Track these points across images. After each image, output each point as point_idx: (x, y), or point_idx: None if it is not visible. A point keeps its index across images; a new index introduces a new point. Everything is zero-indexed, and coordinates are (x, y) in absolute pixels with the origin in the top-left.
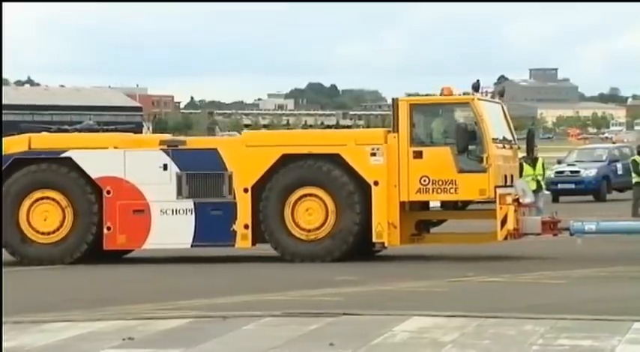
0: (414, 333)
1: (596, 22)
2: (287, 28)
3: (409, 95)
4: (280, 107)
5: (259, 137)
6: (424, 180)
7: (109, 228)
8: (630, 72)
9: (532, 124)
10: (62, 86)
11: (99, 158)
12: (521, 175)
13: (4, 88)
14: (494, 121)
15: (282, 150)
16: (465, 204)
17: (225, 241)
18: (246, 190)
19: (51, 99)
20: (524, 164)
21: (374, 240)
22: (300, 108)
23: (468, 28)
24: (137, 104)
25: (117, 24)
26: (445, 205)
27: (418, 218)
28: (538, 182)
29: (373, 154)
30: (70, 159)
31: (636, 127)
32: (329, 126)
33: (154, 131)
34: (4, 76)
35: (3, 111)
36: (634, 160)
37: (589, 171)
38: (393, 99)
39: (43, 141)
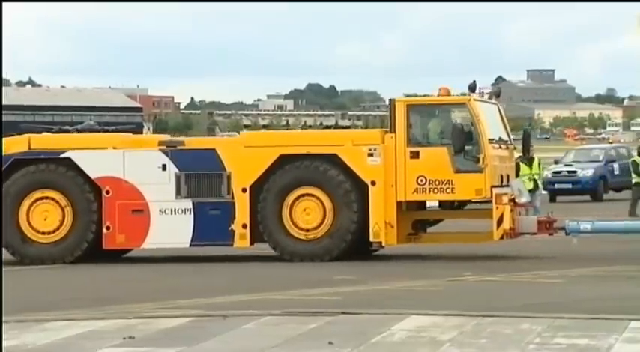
0: (413, 332)
1: (593, 23)
2: (287, 28)
3: (407, 96)
4: (280, 108)
5: (257, 137)
6: (421, 180)
7: (108, 228)
8: (627, 73)
9: (528, 125)
10: (63, 87)
11: (98, 158)
12: (517, 175)
13: (5, 88)
14: (490, 122)
15: (279, 150)
16: (463, 203)
17: (224, 241)
18: (244, 190)
19: (52, 99)
20: (520, 163)
21: (371, 239)
22: (300, 109)
23: (466, 29)
24: (138, 105)
25: (117, 24)
26: (443, 205)
27: (415, 218)
28: (535, 181)
29: (370, 154)
30: (69, 159)
31: (633, 128)
32: (328, 127)
33: (155, 131)
34: (6, 76)
35: (4, 112)
36: (634, 161)
37: (586, 172)
38: (390, 100)
39: (43, 141)
